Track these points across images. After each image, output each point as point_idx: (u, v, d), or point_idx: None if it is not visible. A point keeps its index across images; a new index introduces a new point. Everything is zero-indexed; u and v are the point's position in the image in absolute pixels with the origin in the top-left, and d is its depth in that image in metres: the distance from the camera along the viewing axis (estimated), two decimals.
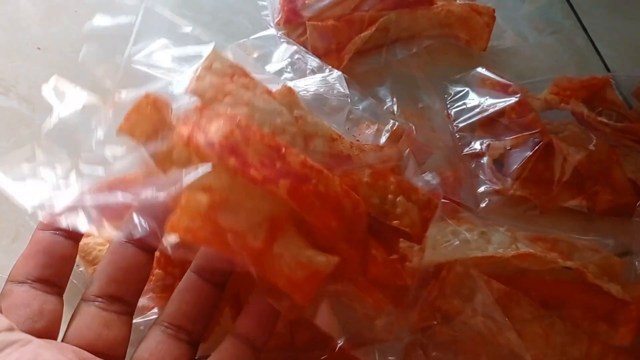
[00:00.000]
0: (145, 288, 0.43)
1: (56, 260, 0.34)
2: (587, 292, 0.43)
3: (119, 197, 0.35)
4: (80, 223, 0.35)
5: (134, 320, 0.42)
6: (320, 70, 0.54)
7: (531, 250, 0.42)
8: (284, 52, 0.56)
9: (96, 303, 0.34)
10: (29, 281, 0.33)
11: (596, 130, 0.53)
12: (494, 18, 0.60)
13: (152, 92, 0.38)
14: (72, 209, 0.36)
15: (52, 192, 0.37)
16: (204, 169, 0.34)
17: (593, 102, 0.56)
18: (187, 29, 0.45)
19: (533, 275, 0.43)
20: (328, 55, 0.57)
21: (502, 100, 0.54)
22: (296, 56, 0.56)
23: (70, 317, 0.35)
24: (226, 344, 0.35)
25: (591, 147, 0.51)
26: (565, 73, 0.58)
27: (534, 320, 0.41)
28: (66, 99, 0.42)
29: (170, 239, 0.34)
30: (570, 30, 0.65)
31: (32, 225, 0.46)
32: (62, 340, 0.33)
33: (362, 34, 0.58)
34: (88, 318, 0.34)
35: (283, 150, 0.35)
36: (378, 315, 0.39)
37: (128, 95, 0.40)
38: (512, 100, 0.53)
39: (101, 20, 0.47)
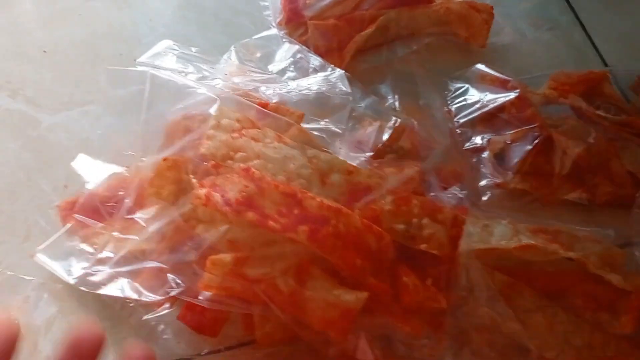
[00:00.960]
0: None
1: None
2: (589, 283, 0.44)
3: (153, 262, 0.38)
4: (120, 291, 0.39)
5: (145, 317, 0.43)
6: (322, 69, 0.55)
7: (533, 242, 0.43)
8: (286, 52, 0.57)
9: None
10: None
11: (595, 124, 0.54)
12: (492, 15, 0.61)
13: (170, 156, 0.41)
14: (111, 278, 0.39)
15: (91, 264, 0.41)
16: (226, 227, 0.37)
17: (591, 96, 0.57)
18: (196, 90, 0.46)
19: (535, 266, 0.44)
20: (330, 54, 0.58)
21: (501, 95, 0.55)
22: (298, 55, 0.57)
23: None
24: None
25: (590, 140, 0.51)
26: (563, 68, 0.59)
27: (537, 310, 0.42)
28: (93, 172, 0.45)
29: (205, 295, 0.37)
30: (568, 26, 0.65)
31: (43, 224, 0.47)
32: None
33: (363, 33, 0.58)
34: None
35: (299, 195, 0.37)
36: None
37: (149, 160, 0.43)
38: (512, 95, 0.54)
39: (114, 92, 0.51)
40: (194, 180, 0.39)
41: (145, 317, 0.43)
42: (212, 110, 0.42)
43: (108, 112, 0.55)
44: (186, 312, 0.41)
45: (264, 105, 0.44)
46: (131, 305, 0.43)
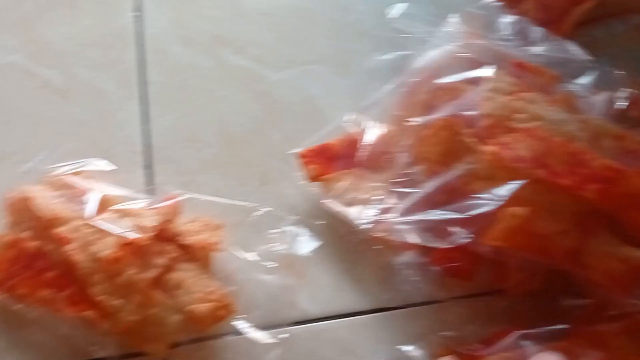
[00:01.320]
0: None
1: None
2: None
3: (442, 213, 0.41)
4: (409, 237, 0.41)
5: (392, 260, 0.44)
6: (545, 39, 0.55)
7: None
8: (507, 22, 0.57)
9: None
10: None
11: None
12: None
13: (446, 117, 0.43)
14: (398, 226, 0.42)
15: (377, 213, 0.44)
16: (516, 183, 0.38)
17: None
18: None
19: None
20: (547, 26, 0.58)
21: None
22: (519, 25, 0.57)
23: None
24: None
25: None
26: None
27: None
28: (368, 130, 0.48)
29: (489, 246, 0.39)
30: None
31: (278, 170, 0.50)
32: None
33: (581, 6, 0.58)
34: None
35: (584, 155, 0.38)
36: None
37: (422, 120, 0.45)
38: None
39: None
40: (473, 140, 0.40)
41: (393, 260, 0.44)
42: (487, 73, 0.43)
43: (330, 72, 0.58)
44: (440, 257, 0.42)
45: (523, 65, 0.45)
46: (378, 248, 0.45)
